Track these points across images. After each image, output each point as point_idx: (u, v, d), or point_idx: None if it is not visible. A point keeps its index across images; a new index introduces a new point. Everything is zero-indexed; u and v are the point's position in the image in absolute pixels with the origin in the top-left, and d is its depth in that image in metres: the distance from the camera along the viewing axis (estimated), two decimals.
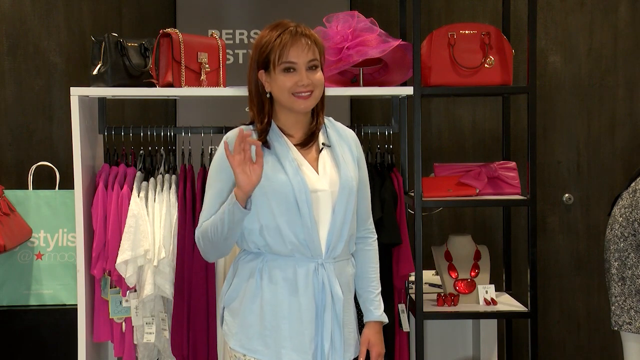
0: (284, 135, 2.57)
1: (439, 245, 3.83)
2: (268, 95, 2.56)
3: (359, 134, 3.53)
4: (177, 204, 3.42)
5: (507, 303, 3.71)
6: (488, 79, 3.56)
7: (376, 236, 2.74)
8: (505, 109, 4.02)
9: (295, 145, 2.57)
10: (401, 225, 3.50)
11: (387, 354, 3.14)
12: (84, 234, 3.41)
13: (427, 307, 3.59)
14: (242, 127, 2.56)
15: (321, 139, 2.62)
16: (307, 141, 2.58)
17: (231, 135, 2.55)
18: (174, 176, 3.51)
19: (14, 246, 3.58)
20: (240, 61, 4.74)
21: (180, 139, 3.79)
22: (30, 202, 3.77)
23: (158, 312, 3.46)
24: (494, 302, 3.66)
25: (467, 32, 3.57)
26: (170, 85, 3.39)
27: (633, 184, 3.38)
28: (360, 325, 2.70)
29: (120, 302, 3.44)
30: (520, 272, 4.35)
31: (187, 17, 4.70)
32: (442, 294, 3.69)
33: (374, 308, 2.68)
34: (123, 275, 3.36)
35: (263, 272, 2.52)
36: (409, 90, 3.53)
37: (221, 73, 3.56)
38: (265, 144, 2.54)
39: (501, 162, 3.70)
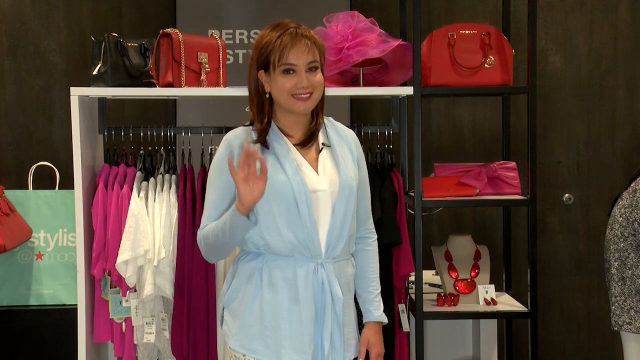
0: (283, 136, 2.57)
1: (439, 245, 3.83)
2: (268, 96, 2.56)
3: (359, 134, 3.52)
4: (177, 204, 3.42)
5: (507, 303, 3.71)
6: (488, 79, 3.56)
7: (376, 236, 2.74)
8: (505, 109, 4.02)
9: (294, 145, 2.56)
10: (401, 225, 3.50)
11: (387, 354, 3.13)
12: (84, 234, 3.41)
13: (427, 307, 3.59)
14: (244, 129, 2.56)
15: (321, 139, 2.61)
16: (307, 141, 2.58)
17: (231, 136, 2.56)
18: (174, 176, 3.51)
19: (14, 246, 3.58)
20: (240, 61, 4.74)
21: (180, 139, 3.79)
22: (30, 202, 3.77)
23: (158, 312, 3.46)
24: (494, 302, 3.66)
25: (467, 32, 3.57)
26: (170, 85, 3.39)
27: (633, 184, 3.38)
28: (360, 325, 2.70)
29: (120, 302, 3.44)
30: (520, 272, 4.35)
31: (187, 17, 4.70)
32: (442, 294, 3.69)
33: (373, 308, 2.68)
34: (123, 275, 3.36)
35: (263, 272, 2.52)
36: (409, 90, 3.53)
37: (221, 73, 3.56)
38: (265, 144, 2.54)
39: (501, 162, 3.70)
